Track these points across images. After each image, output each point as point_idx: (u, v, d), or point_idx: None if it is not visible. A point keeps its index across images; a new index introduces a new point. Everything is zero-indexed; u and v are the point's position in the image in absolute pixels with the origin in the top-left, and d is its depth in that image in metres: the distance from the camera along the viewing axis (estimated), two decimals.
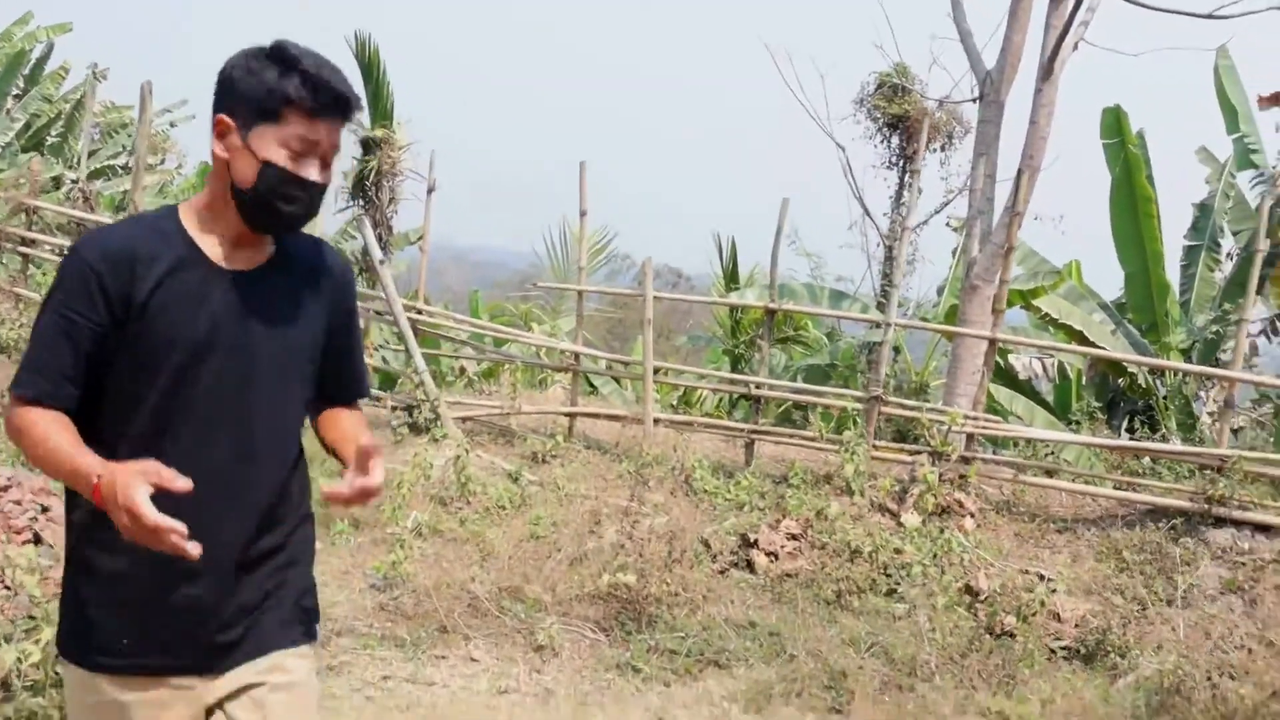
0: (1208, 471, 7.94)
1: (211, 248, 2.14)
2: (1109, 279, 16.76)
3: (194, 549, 1.86)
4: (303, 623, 2.31)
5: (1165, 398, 13.33)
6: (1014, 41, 10.32)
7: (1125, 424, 13.81)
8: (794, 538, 7.21)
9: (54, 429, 2.02)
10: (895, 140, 14.33)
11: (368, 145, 11.02)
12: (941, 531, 7.44)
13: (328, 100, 2.08)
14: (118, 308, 2.05)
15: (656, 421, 8.78)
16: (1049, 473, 8.12)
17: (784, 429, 8.94)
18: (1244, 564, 7.10)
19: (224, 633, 2.16)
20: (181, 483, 1.86)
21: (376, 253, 9.19)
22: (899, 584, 6.74)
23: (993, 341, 8.06)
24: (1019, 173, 8.70)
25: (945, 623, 6.08)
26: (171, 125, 24.22)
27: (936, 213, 14.58)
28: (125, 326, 2.06)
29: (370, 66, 11.01)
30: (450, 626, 5.66)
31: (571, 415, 9.11)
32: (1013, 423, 11.72)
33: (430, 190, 9.61)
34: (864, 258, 15.30)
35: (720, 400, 12.27)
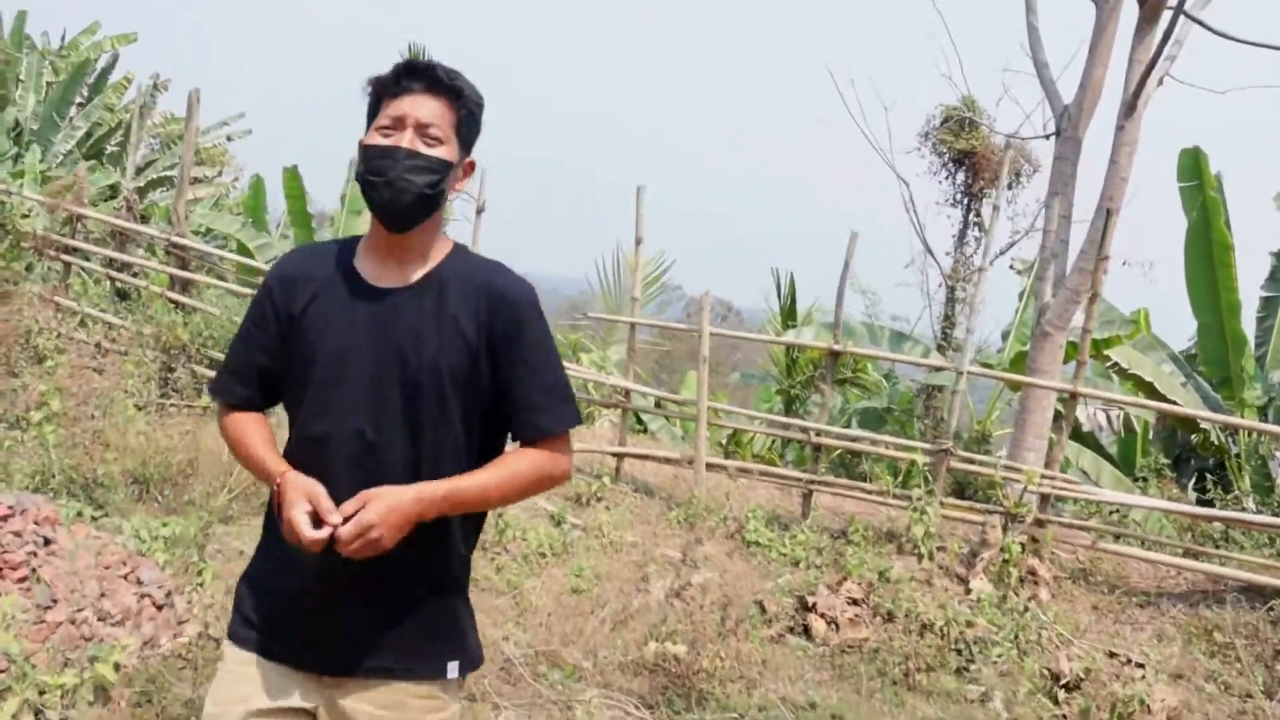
0: None
1: (367, 267, 2.22)
2: (1175, 329, 15.95)
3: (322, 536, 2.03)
4: (434, 656, 2.23)
5: (1238, 456, 12.51)
6: (1094, 76, 9.64)
7: (1193, 482, 13.00)
8: (855, 602, 6.54)
9: (247, 430, 2.27)
10: (960, 176, 13.66)
11: None
12: (1017, 604, 6.74)
13: (406, 73, 2.16)
14: (283, 323, 2.23)
15: (709, 467, 8.14)
16: (1129, 539, 7.38)
17: (845, 481, 8.26)
18: None
19: (340, 640, 2.17)
20: (334, 518, 2.03)
21: None
22: (971, 661, 6.05)
23: (1074, 395, 7.36)
24: (1106, 214, 8.01)
25: (1027, 715, 5.39)
26: (229, 139, 24.04)
27: (1002, 253, 13.88)
28: (288, 340, 2.22)
29: None
30: (479, 694, 5.05)
31: (620, 455, 8.50)
32: (1076, 477, 10.97)
33: (479, 211, 9.06)
34: (922, 296, 14.61)
35: (771, 442, 11.59)
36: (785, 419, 9.12)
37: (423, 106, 2.14)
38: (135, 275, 10.08)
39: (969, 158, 13.38)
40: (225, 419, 2.32)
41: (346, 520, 2.02)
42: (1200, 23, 9.08)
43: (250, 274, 10.28)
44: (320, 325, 2.18)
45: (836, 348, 7.94)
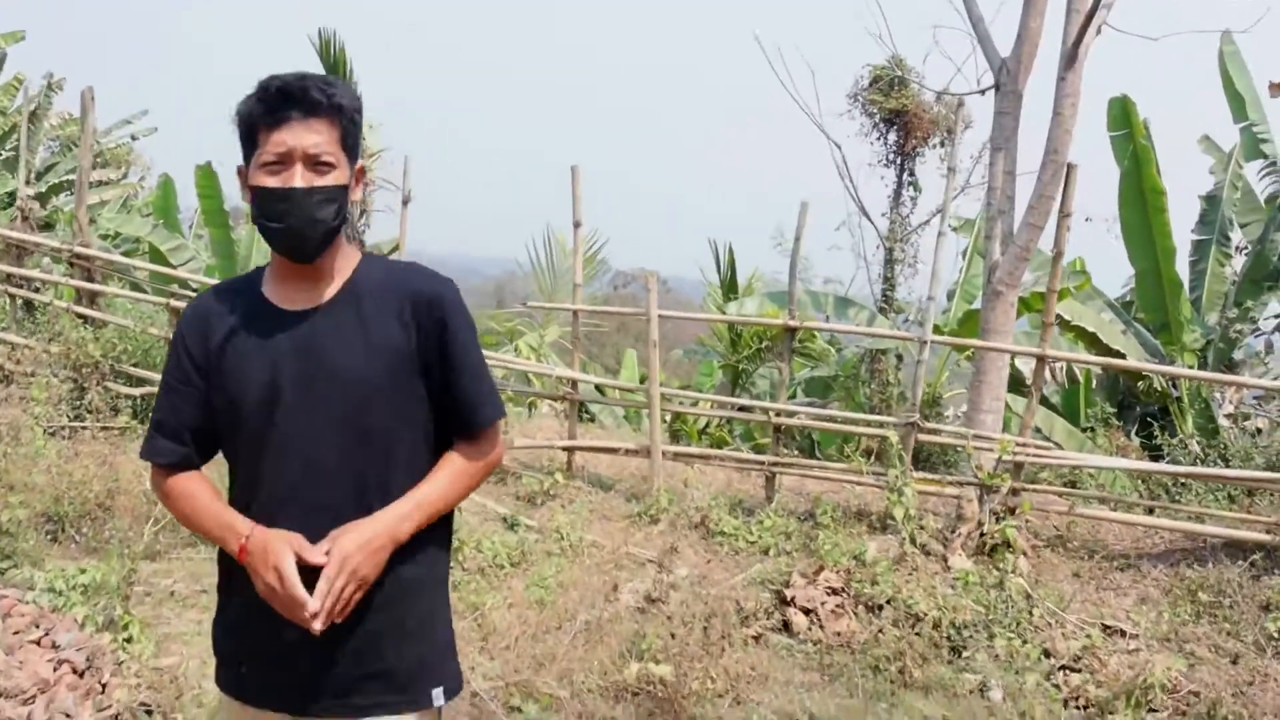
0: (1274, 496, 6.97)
1: (278, 294, 2.12)
2: (1108, 277, 15.83)
3: (317, 625, 1.95)
4: (419, 686, 2.14)
5: (1179, 400, 12.40)
6: (1030, 27, 9.26)
7: (1136, 429, 12.88)
8: (835, 592, 6.12)
9: (191, 493, 2.14)
10: (892, 136, 13.28)
11: None
12: (998, 579, 6.39)
13: (277, 101, 1.99)
14: (203, 369, 2.11)
15: (666, 455, 7.66)
16: (1103, 501, 7.08)
17: (812, 461, 7.84)
18: None
19: (312, 678, 2.08)
20: (318, 558, 1.96)
21: None
22: (964, 647, 5.68)
23: (1041, 359, 7.00)
24: (1066, 168, 7.66)
25: (1034, 705, 5.02)
26: (134, 138, 22.82)
27: (939, 212, 13.52)
28: (211, 385, 2.11)
29: (336, 66, 9.79)
30: None
31: (571, 449, 7.98)
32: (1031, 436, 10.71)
33: (405, 202, 8.44)
34: (856, 259, 14.26)
35: (716, 422, 11.14)
36: (745, 401, 8.65)
37: (306, 135, 1.99)
38: (37, 290, 9.27)
39: (900, 117, 13.00)
40: (164, 484, 2.17)
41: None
42: None
43: (164, 281, 9.54)
44: (242, 362, 2.08)
45: (793, 324, 7.48)
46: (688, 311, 11.60)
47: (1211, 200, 13.20)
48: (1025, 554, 6.73)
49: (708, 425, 11.15)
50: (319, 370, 2.04)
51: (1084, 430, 11.66)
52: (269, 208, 2.01)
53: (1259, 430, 12.73)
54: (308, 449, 2.04)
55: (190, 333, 2.13)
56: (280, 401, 2.04)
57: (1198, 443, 11.67)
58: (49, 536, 5.99)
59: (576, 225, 7.99)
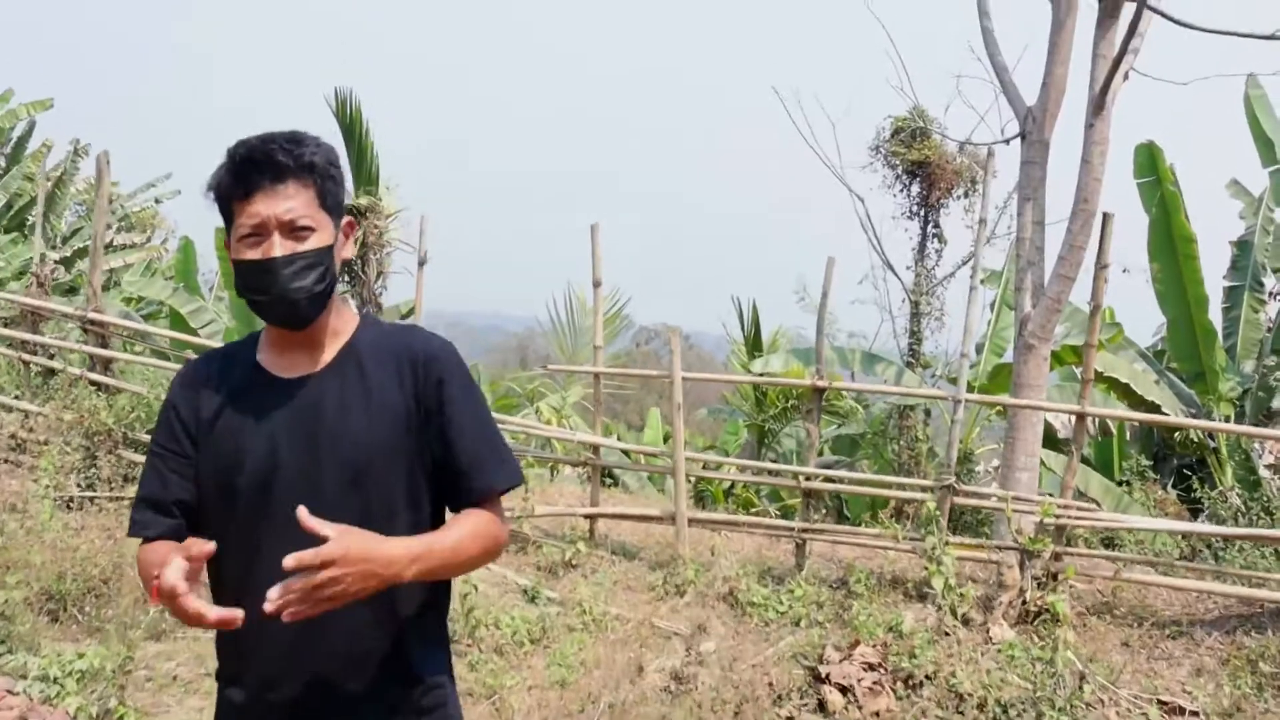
0: None
1: (274, 361, 2.02)
2: (1138, 326, 15.46)
3: (234, 613, 1.73)
4: None
5: (1216, 451, 11.98)
6: (1056, 75, 9.03)
7: (1173, 481, 12.45)
8: (871, 667, 5.76)
9: (155, 552, 1.92)
10: (915, 188, 13.03)
11: (351, 214, 9.59)
12: (1045, 650, 6.00)
13: (245, 170, 1.90)
14: (194, 438, 1.99)
15: (691, 522, 7.33)
16: (1151, 565, 6.70)
17: (844, 528, 7.48)
18: None
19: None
20: (207, 547, 1.74)
21: None
22: None
23: (1081, 416, 6.66)
24: (1104, 217, 7.35)
25: None
26: (157, 201, 22.93)
27: (965, 263, 13.24)
28: (202, 455, 1.98)
29: (352, 126, 9.67)
30: None
31: (593, 516, 7.67)
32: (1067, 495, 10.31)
33: (422, 263, 8.23)
34: (880, 312, 13.94)
35: (743, 483, 10.78)
36: (773, 465, 8.32)
37: (279, 201, 1.89)
38: (52, 356, 9.11)
39: (923, 168, 12.76)
40: (139, 555, 1.98)
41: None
42: (1162, 14, 8.53)
43: (181, 347, 9.35)
44: (236, 430, 1.96)
45: (821, 384, 7.18)
46: (712, 371, 11.33)
47: (1243, 246, 12.86)
48: (1070, 622, 6.35)
49: (733, 486, 10.81)
50: (319, 436, 1.92)
51: (1120, 484, 11.26)
52: (252, 281, 1.91)
53: None
54: (295, 529, 1.80)
55: (181, 400, 2.01)
56: (278, 472, 1.92)
57: (1239, 494, 11.26)
58: (49, 616, 5.71)
59: (596, 285, 7.74)
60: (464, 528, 1.94)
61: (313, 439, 1.92)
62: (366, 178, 9.90)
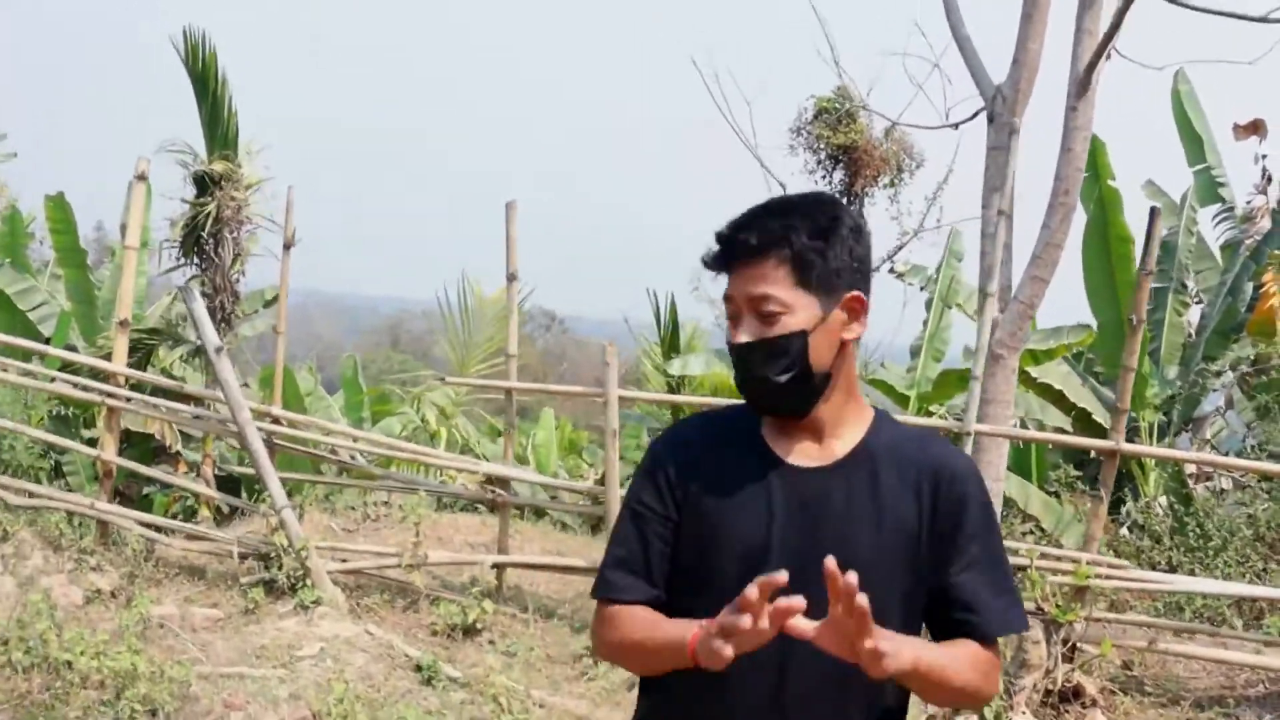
0: None
1: (777, 440, 1.77)
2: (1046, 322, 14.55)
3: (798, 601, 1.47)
4: None
5: (1139, 461, 11.06)
6: (1030, 51, 7.68)
7: (1092, 487, 11.52)
8: None
9: (638, 615, 1.74)
10: (839, 174, 11.65)
11: (203, 183, 7.63)
12: None
13: (720, 249, 1.75)
14: (678, 500, 1.78)
15: None
16: (1189, 634, 5.40)
17: None
18: None
19: None
20: (779, 577, 1.46)
21: (211, 338, 5.88)
22: None
23: (1113, 453, 5.30)
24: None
25: None
26: None
27: (889, 258, 11.96)
28: (683, 521, 1.77)
29: (205, 77, 7.65)
30: None
31: (500, 566, 5.96)
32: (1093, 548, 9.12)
33: (288, 246, 6.36)
34: None
35: None
36: None
37: (747, 280, 1.70)
38: None
39: (847, 153, 11.38)
40: (604, 614, 1.78)
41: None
42: None
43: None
44: (727, 508, 1.72)
45: None
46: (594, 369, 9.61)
47: (1166, 247, 11.90)
48: (1099, 705, 5.00)
49: None
50: (822, 540, 1.63)
51: (1051, 495, 10.24)
52: (735, 362, 1.76)
53: (1223, 491, 11.53)
54: (787, 664, 1.65)
55: (669, 455, 1.80)
56: (768, 560, 1.65)
57: (1166, 507, 10.38)
58: None
59: (511, 279, 6.02)
60: (963, 651, 1.68)
61: (812, 537, 1.66)
62: (222, 140, 7.90)
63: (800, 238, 1.68)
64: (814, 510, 1.69)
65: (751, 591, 1.44)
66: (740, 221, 1.73)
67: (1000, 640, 1.80)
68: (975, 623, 1.70)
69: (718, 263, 1.74)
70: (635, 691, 4.55)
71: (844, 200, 11.51)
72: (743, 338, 1.70)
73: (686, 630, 1.59)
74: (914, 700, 1.72)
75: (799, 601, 1.45)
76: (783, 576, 1.45)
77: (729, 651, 1.48)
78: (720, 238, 1.74)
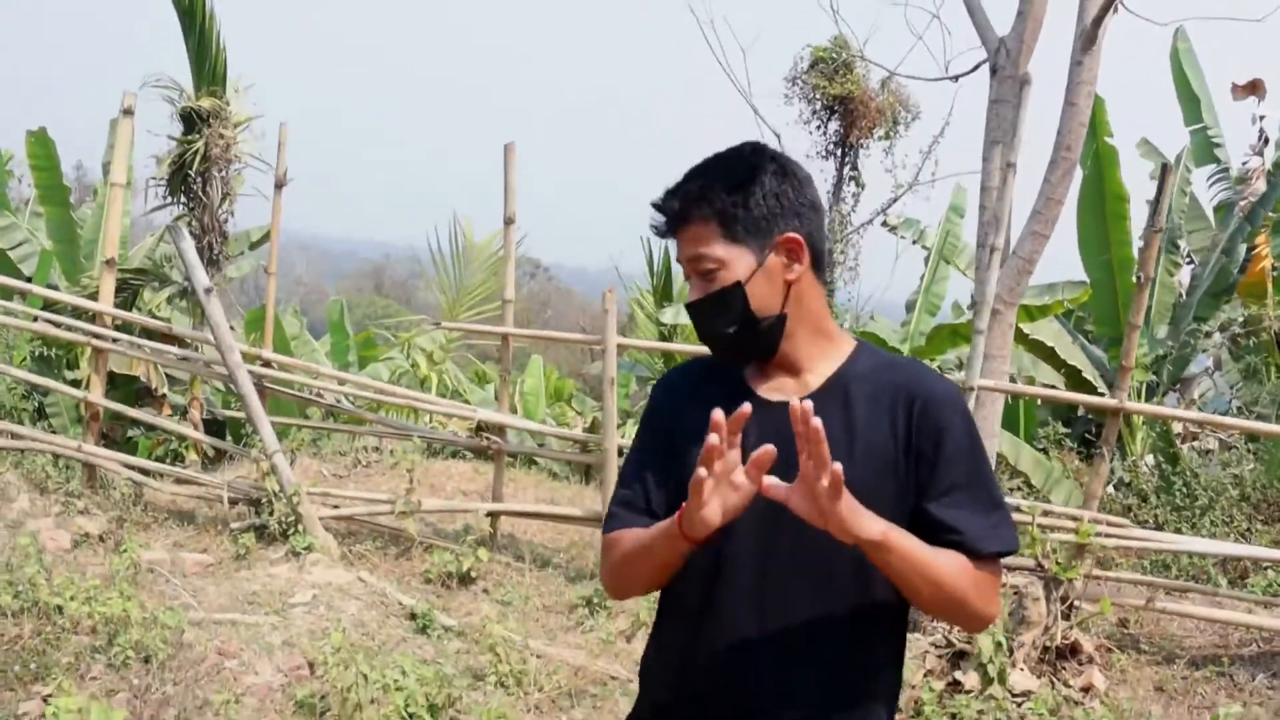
0: None
1: (756, 379, 1.82)
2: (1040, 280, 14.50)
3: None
4: None
5: (1127, 417, 11.05)
6: (1035, 2, 7.58)
7: (1079, 445, 11.53)
8: None
9: (634, 530, 1.78)
10: (834, 125, 11.46)
11: (190, 120, 7.42)
12: (1071, 699, 4.63)
13: (660, 214, 1.80)
14: (667, 440, 1.84)
15: None
16: (1183, 592, 5.40)
17: None
18: None
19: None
20: (745, 407, 1.56)
21: (201, 279, 5.72)
22: None
23: (1116, 411, 5.25)
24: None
25: None
26: None
27: (883, 211, 11.82)
28: (671, 460, 1.81)
29: (192, 9, 7.41)
30: None
31: (496, 514, 5.89)
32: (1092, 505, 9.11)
33: (279, 185, 6.18)
34: None
35: None
36: None
37: (684, 243, 1.77)
38: None
39: (844, 104, 11.20)
40: (610, 541, 1.82)
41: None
42: None
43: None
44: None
45: None
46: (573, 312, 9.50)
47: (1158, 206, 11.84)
48: (1097, 663, 4.99)
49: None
50: (795, 470, 1.57)
51: (1038, 450, 10.25)
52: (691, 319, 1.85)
53: (1208, 451, 11.57)
54: (767, 564, 1.70)
55: (664, 404, 1.89)
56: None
57: (1152, 466, 10.42)
58: None
59: (509, 222, 5.88)
60: (952, 557, 1.66)
61: (788, 468, 1.59)
62: (210, 76, 7.65)
63: (719, 194, 1.72)
64: (790, 444, 1.64)
65: (707, 446, 1.50)
66: (668, 189, 1.78)
67: (1000, 568, 1.77)
68: (961, 541, 1.68)
69: (663, 230, 1.80)
70: (632, 643, 4.52)
71: (838, 151, 11.39)
72: (696, 295, 1.75)
73: (670, 524, 1.64)
74: (909, 665, 1.64)
75: (770, 449, 1.50)
76: (770, 449, 1.51)
77: (715, 516, 1.55)
78: (654, 206, 1.80)
